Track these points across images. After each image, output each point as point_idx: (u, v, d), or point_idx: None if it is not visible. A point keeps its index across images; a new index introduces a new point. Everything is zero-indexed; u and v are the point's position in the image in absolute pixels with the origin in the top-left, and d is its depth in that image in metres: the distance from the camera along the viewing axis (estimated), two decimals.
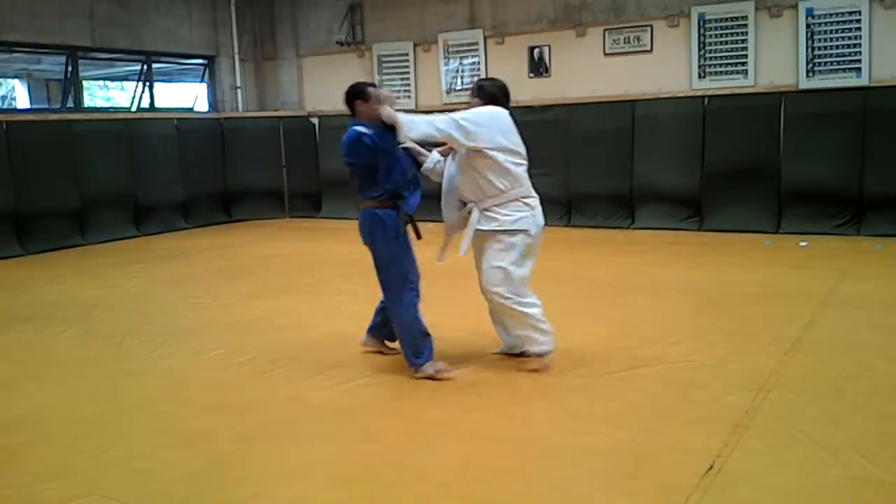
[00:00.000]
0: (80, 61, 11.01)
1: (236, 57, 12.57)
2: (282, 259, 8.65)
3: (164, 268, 8.31)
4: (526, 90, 10.40)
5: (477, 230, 4.32)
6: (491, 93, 4.42)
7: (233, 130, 12.30)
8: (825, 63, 8.93)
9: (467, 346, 4.82)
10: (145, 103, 11.85)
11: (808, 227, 8.92)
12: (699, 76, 9.63)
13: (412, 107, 11.13)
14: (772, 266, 7.28)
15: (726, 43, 9.45)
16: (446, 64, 11.26)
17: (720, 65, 9.51)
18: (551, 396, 4.03)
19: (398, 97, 11.35)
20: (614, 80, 10.05)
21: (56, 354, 5.18)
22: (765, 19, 9.26)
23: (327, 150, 11.78)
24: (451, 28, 11.15)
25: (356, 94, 4.32)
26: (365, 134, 4.17)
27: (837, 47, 8.85)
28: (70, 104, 11.00)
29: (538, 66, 10.64)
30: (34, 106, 14.31)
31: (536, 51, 10.63)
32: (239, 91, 12.68)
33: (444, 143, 4.41)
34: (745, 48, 9.33)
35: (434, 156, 4.61)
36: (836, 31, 8.84)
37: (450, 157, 4.50)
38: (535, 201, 4.38)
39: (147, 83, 11.85)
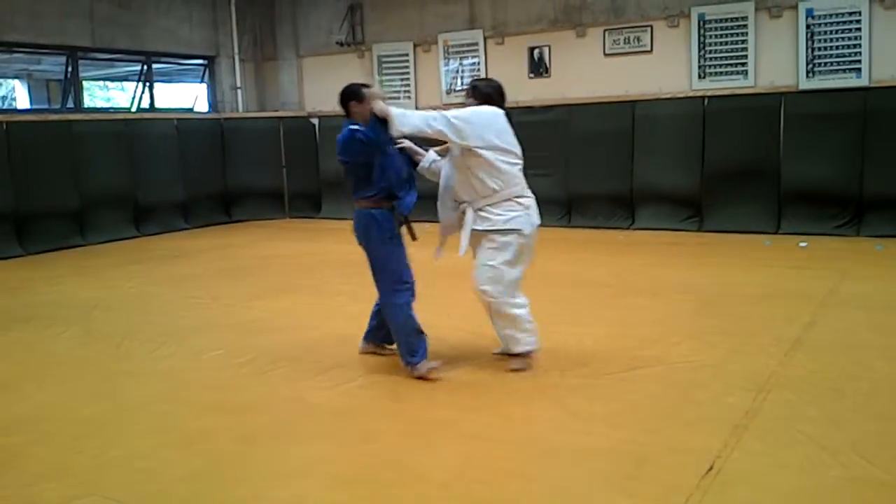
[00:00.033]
0: (81, 61, 11.01)
1: (236, 57, 12.58)
2: (282, 259, 8.65)
3: (164, 268, 8.31)
4: (526, 91, 10.40)
5: (472, 230, 4.32)
6: (485, 93, 4.42)
7: (233, 131, 12.30)
8: (825, 63, 8.94)
9: (467, 347, 4.82)
10: (145, 104, 11.86)
11: (808, 227, 8.91)
12: (699, 76, 9.63)
13: (412, 107, 11.13)
14: (772, 267, 7.28)
15: (726, 43, 9.45)
16: (446, 64, 11.26)
17: (720, 65, 9.51)
18: (551, 397, 4.03)
19: (398, 98, 11.36)
20: (614, 80, 10.05)
21: (56, 355, 5.18)
22: (765, 20, 9.26)
23: (327, 150, 11.79)
24: (451, 28, 11.15)
25: (351, 95, 4.32)
26: (358, 130, 4.18)
27: (837, 48, 8.85)
28: (70, 104, 11.00)
29: (538, 67, 10.65)
30: (34, 106, 14.30)
31: (536, 51, 10.63)
32: (239, 91, 12.69)
33: (438, 143, 4.41)
34: (745, 49, 9.33)
35: (430, 155, 4.60)
36: (836, 32, 8.84)
37: (447, 157, 4.50)
38: (529, 201, 4.37)
39: (147, 83, 11.85)
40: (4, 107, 14.76)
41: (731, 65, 9.45)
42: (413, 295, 4.41)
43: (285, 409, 4.02)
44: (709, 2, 9.45)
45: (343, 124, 4.32)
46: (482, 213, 4.30)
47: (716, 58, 9.52)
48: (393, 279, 4.35)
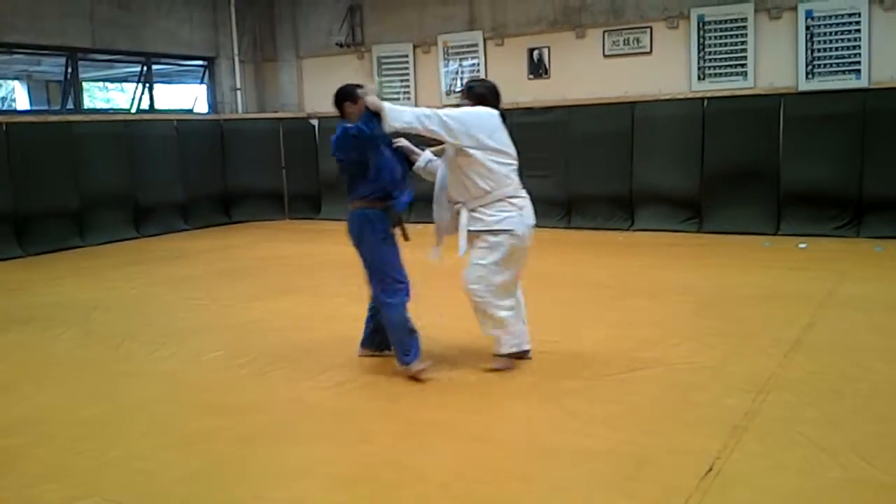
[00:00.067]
0: (80, 62, 11.01)
1: (236, 58, 12.58)
2: (281, 261, 8.65)
3: (164, 269, 8.31)
4: (525, 92, 10.41)
5: (468, 231, 4.33)
6: (480, 93, 4.44)
7: (232, 132, 12.31)
8: (825, 65, 8.94)
9: (467, 347, 4.82)
10: (145, 105, 11.85)
11: (807, 228, 8.92)
12: (699, 78, 9.63)
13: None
14: (771, 268, 7.28)
15: (726, 45, 9.45)
16: (446, 65, 11.26)
17: (720, 66, 9.52)
18: (551, 398, 4.03)
19: (398, 98, 11.36)
20: (614, 81, 10.06)
21: (56, 356, 5.18)
22: (764, 21, 9.26)
23: (327, 151, 11.60)
24: (451, 29, 11.16)
25: (345, 96, 4.33)
26: (350, 126, 4.18)
27: (837, 49, 8.86)
28: (70, 105, 11.00)
29: (538, 68, 10.65)
30: (34, 107, 14.30)
31: (536, 52, 10.64)
32: (239, 92, 12.69)
33: (435, 142, 4.41)
34: (745, 50, 9.33)
35: (426, 154, 4.61)
36: (836, 33, 8.85)
37: (443, 157, 4.50)
38: (523, 201, 4.37)
39: (147, 84, 11.86)
40: (4, 108, 14.76)
41: (730, 66, 9.46)
42: (408, 295, 4.41)
43: (285, 410, 4.03)
44: (708, 3, 9.46)
45: (337, 125, 4.33)
46: (475, 214, 4.31)
47: (715, 59, 9.53)
48: (387, 279, 4.35)
